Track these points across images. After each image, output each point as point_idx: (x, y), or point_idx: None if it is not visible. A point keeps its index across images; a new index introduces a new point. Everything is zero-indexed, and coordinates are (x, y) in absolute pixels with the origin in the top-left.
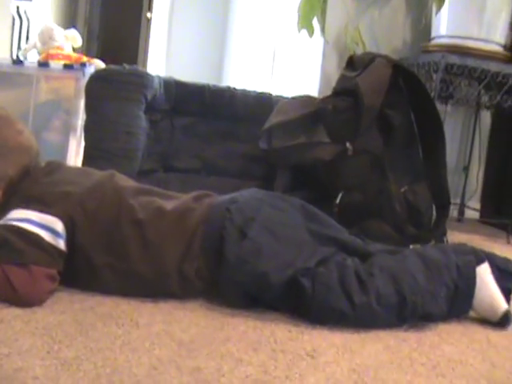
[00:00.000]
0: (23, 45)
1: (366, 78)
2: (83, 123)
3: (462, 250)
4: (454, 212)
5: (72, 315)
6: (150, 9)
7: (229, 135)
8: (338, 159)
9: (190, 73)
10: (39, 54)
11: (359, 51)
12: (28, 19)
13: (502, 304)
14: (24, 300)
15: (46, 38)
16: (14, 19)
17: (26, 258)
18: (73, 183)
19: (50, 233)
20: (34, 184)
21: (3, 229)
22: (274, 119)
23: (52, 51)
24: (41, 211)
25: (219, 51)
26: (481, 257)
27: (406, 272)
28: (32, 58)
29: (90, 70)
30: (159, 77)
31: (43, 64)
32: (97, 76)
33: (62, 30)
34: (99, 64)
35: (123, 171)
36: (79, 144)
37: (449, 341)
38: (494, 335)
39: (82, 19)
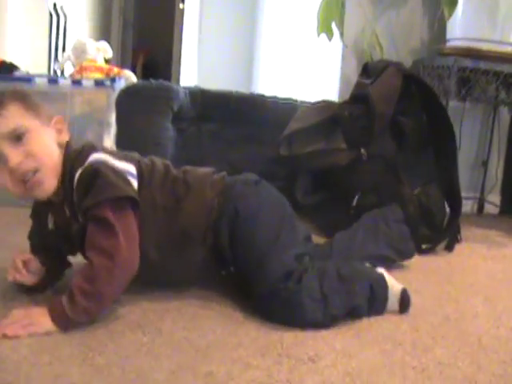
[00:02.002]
0: (60, 39)
1: (377, 88)
2: (115, 134)
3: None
4: (473, 207)
5: (105, 324)
6: (182, 0)
7: (253, 139)
8: (353, 164)
9: (220, 60)
10: (73, 66)
11: (376, 54)
12: (65, 15)
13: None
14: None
15: (79, 52)
16: (51, 16)
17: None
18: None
19: (130, 175)
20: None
21: (94, 164)
22: (293, 125)
23: (85, 64)
24: (115, 158)
25: (248, 40)
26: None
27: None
28: (67, 70)
29: (119, 85)
30: (185, 87)
31: (76, 82)
32: (126, 91)
33: (93, 42)
34: (129, 75)
35: None
36: None
37: (442, 344)
38: (487, 338)
39: (116, 9)
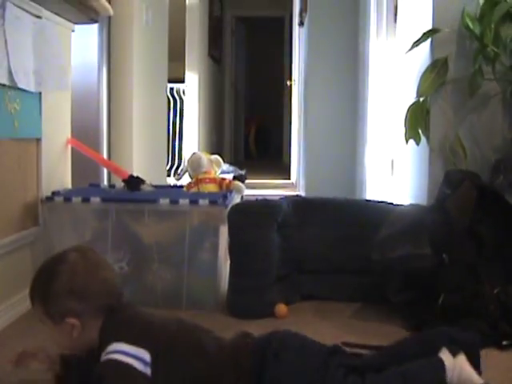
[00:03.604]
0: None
1: (454, 201)
2: (228, 243)
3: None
4: None
5: None
6: (290, 78)
7: (352, 239)
8: (437, 267)
9: (325, 132)
10: (191, 177)
11: (459, 157)
12: (181, 99)
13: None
14: None
15: (195, 166)
16: (168, 99)
17: None
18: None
19: (141, 362)
20: (121, 320)
21: (103, 365)
22: (384, 230)
23: (200, 176)
24: (132, 344)
25: (351, 118)
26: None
27: None
28: (185, 179)
29: (231, 200)
30: (287, 198)
31: (193, 201)
32: (236, 209)
33: (207, 156)
34: (239, 186)
35: (263, 281)
36: (226, 261)
37: None
38: None
39: (228, 83)
